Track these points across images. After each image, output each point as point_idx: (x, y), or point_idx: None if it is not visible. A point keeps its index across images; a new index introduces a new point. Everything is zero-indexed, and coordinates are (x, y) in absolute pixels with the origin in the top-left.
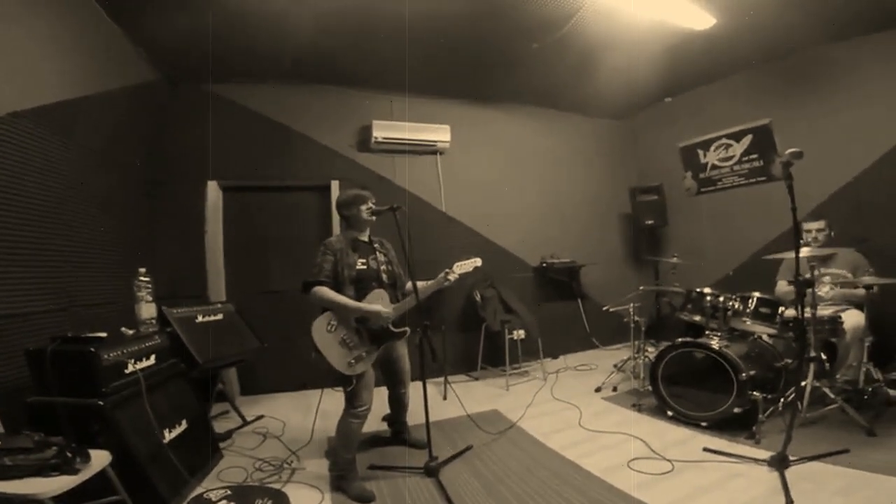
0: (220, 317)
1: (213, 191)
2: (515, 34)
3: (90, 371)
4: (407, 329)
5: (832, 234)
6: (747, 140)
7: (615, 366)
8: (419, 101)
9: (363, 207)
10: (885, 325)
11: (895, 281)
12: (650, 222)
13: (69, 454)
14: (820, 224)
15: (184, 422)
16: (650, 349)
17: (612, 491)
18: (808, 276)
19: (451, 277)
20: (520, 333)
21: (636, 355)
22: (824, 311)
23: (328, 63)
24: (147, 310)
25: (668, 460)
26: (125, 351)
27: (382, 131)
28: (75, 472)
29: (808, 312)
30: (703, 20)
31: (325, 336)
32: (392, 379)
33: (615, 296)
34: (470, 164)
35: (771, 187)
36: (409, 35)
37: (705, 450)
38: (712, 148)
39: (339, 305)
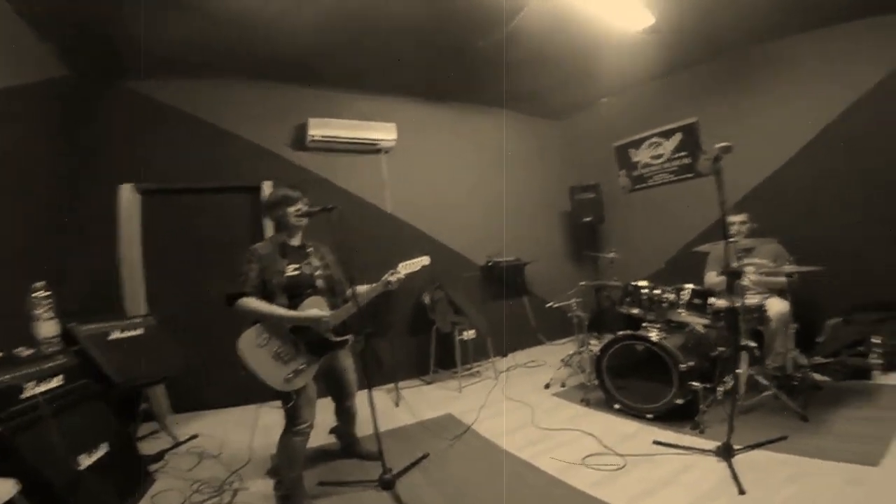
0: (139, 332)
1: (128, 194)
2: (462, 31)
3: None
4: (349, 337)
5: (754, 226)
6: (676, 138)
7: (562, 361)
8: (362, 98)
9: (292, 209)
10: (807, 312)
11: (813, 269)
12: (588, 219)
13: None
14: (742, 217)
15: (104, 445)
16: (594, 343)
17: (572, 491)
18: (734, 266)
19: (396, 278)
20: (470, 334)
21: (581, 349)
22: (750, 300)
23: (262, 57)
24: (47, 328)
25: (621, 455)
26: (20, 373)
27: (320, 129)
28: None
29: (736, 302)
30: (641, 20)
31: (256, 351)
32: (337, 391)
33: (559, 292)
34: (417, 163)
35: (699, 182)
36: (350, 30)
37: (655, 442)
38: (644, 146)
39: (271, 316)
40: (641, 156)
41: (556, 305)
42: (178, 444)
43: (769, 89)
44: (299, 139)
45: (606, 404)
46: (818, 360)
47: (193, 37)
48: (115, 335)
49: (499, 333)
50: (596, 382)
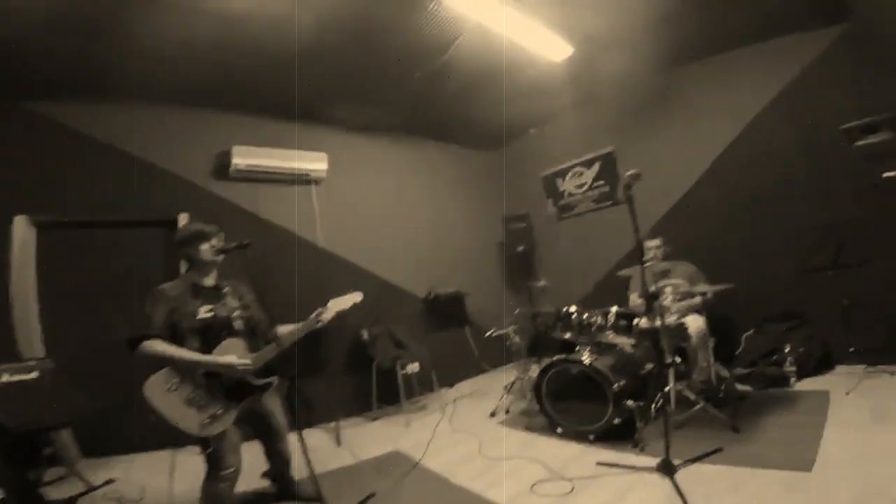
0: (33, 375)
1: (23, 227)
2: (397, 61)
3: None
4: (273, 380)
5: (669, 248)
6: (596, 167)
7: (506, 388)
8: (292, 126)
9: (205, 246)
10: (724, 326)
11: (723, 287)
12: (521, 248)
13: None
14: (657, 241)
15: None
16: (535, 368)
17: None
18: (653, 288)
19: (326, 316)
20: (413, 367)
21: (522, 376)
22: (671, 319)
23: (181, 80)
24: None
25: (568, 479)
26: None
27: (245, 158)
28: None
29: (657, 322)
30: (561, 50)
31: (166, 397)
32: (266, 435)
33: (498, 320)
34: (351, 194)
35: (620, 208)
36: (280, 57)
37: (599, 464)
38: (569, 176)
39: (180, 360)
40: (567, 185)
41: (494, 334)
42: (91, 489)
43: (676, 115)
44: (222, 168)
45: (550, 428)
46: (739, 371)
47: (104, 57)
48: (5, 378)
49: (444, 364)
50: (538, 408)
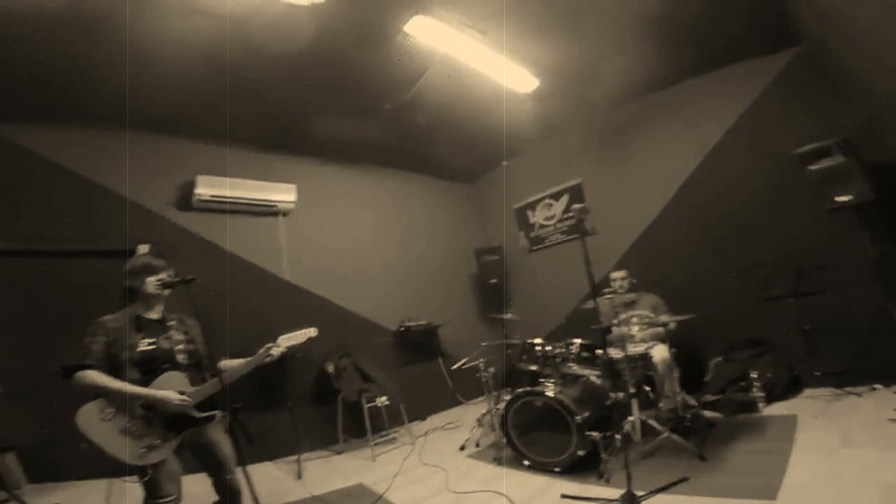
0: None
1: None
2: (367, 94)
3: None
4: (215, 413)
5: (634, 280)
6: (565, 199)
7: (477, 420)
8: (260, 157)
9: (151, 279)
10: (692, 355)
11: (686, 317)
12: (494, 280)
13: None
14: (622, 273)
15: None
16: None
17: None
18: (615, 320)
19: (276, 352)
20: (382, 400)
21: (492, 408)
22: (636, 349)
23: (146, 106)
24: None
25: None
26: None
27: (209, 188)
28: None
29: (621, 353)
30: (527, 83)
31: (100, 426)
32: (211, 466)
33: (473, 351)
34: (320, 226)
35: (588, 241)
36: (254, 87)
37: (563, 496)
38: (539, 208)
39: (117, 392)
40: (537, 217)
41: (463, 366)
42: None
43: (641, 145)
44: (185, 198)
45: (517, 461)
46: (708, 398)
47: (64, 81)
48: None
49: (417, 396)
50: (505, 441)
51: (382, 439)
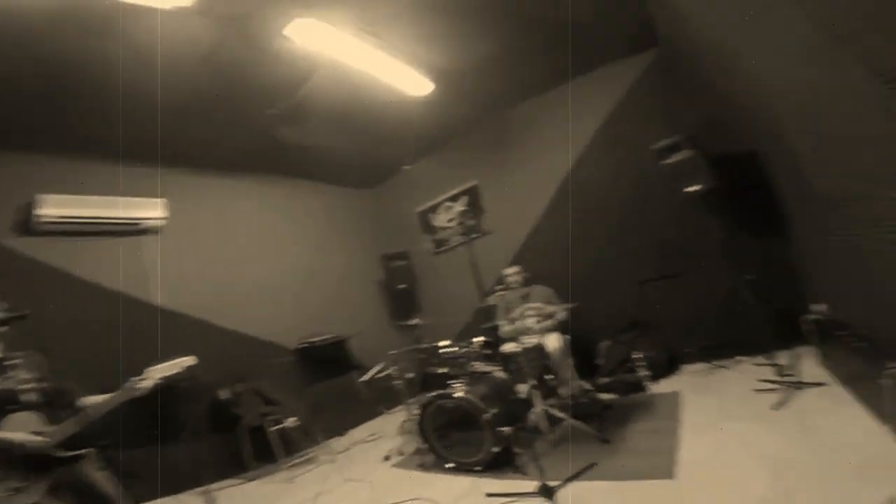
0: None
1: None
2: (248, 99)
3: None
4: (84, 451)
5: (527, 274)
6: (463, 201)
7: (399, 429)
8: (119, 169)
9: None
10: (585, 341)
11: (570, 306)
12: (402, 286)
13: None
14: (515, 269)
15: None
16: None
17: None
18: (513, 315)
19: (144, 385)
20: (292, 421)
21: (411, 415)
22: (531, 341)
23: None
24: None
25: None
26: None
27: (54, 208)
28: None
29: (518, 346)
30: (421, 86)
31: None
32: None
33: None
34: (196, 244)
35: (487, 239)
36: (105, 90)
37: (488, 495)
38: (440, 211)
39: None
40: (438, 220)
41: (375, 377)
42: None
43: (528, 146)
44: (24, 221)
45: (440, 465)
46: (602, 380)
47: None
48: None
49: (332, 413)
50: (426, 446)
51: (299, 460)
